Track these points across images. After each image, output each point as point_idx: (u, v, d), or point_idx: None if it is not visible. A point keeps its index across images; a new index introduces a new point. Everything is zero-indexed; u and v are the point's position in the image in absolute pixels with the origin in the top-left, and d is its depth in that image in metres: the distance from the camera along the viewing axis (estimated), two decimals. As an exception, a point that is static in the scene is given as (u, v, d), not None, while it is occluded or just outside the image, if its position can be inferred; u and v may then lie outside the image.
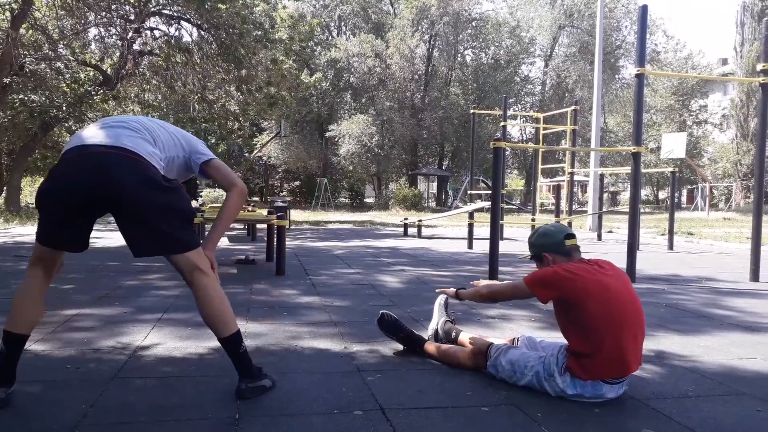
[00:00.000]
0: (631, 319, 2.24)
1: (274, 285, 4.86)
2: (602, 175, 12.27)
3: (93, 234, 9.89)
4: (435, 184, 36.50)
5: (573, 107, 11.65)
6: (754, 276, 5.82)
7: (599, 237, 11.33)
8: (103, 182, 1.98)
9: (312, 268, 6.07)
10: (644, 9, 5.57)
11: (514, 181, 47.00)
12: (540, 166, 13.39)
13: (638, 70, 5.54)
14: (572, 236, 2.44)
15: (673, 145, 19.61)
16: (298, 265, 6.30)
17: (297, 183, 33.14)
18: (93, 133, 2.11)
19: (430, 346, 2.76)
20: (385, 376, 2.50)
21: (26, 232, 10.64)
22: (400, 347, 2.91)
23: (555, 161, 22.07)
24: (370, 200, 35.82)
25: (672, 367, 2.71)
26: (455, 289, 2.77)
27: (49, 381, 2.33)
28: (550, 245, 2.43)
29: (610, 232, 13.84)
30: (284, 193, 31.30)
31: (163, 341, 2.97)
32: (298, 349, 2.89)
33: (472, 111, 12.58)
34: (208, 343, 2.95)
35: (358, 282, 5.14)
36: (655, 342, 3.18)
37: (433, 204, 33.02)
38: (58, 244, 2.13)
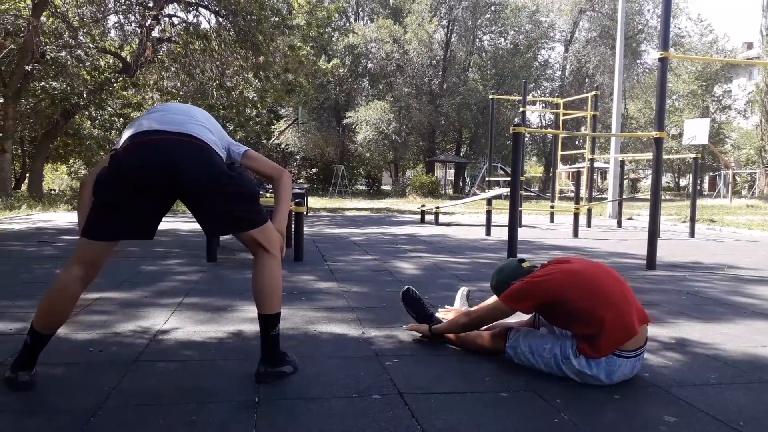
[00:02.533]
0: (611, 285, 2.29)
1: (292, 271, 4.89)
2: (623, 162, 12.08)
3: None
4: (453, 171, 36.36)
5: (594, 93, 11.47)
6: (779, 264, 5.71)
7: (619, 224, 11.21)
8: (173, 168, 1.99)
9: (330, 254, 6.09)
10: (668, -9, 5.44)
11: (533, 168, 46.59)
12: (559, 153, 13.24)
13: (662, 54, 5.43)
14: (524, 260, 2.58)
15: (696, 131, 19.23)
16: (316, 251, 6.32)
17: (314, 170, 33.24)
18: (158, 120, 2.10)
19: (443, 329, 2.76)
20: (402, 361, 2.50)
21: (48, 218, 10.82)
22: (418, 334, 2.91)
23: (574, 147, 21.84)
24: (387, 187, 35.80)
25: (694, 355, 2.68)
26: (428, 326, 2.75)
27: (73, 363, 2.37)
28: (510, 275, 2.48)
29: (630, 219, 13.67)
30: (301, 180, 31.39)
31: (182, 325, 3.00)
32: (317, 333, 2.91)
33: (491, 97, 12.45)
34: (228, 327, 2.98)
35: (376, 268, 5.15)
36: (676, 329, 3.14)
37: (450, 191, 32.91)
38: (117, 233, 2.08)
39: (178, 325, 3.01)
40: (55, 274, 4.48)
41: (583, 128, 25.84)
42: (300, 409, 1.95)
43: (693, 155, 9.36)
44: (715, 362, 2.57)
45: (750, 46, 43.19)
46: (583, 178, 12.45)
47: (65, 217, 10.97)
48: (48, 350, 2.24)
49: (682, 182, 40.92)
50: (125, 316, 3.17)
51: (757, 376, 2.39)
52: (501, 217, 12.04)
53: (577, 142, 31.49)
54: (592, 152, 11.44)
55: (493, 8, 32.14)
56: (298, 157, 32.67)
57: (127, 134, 2.11)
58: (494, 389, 2.18)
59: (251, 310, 3.34)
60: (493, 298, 2.66)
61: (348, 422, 1.85)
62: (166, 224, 9.33)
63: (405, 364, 2.45)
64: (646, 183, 40.79)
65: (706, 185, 39.18)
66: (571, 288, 2.27)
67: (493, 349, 2.55)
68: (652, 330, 3.07)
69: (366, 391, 2.13)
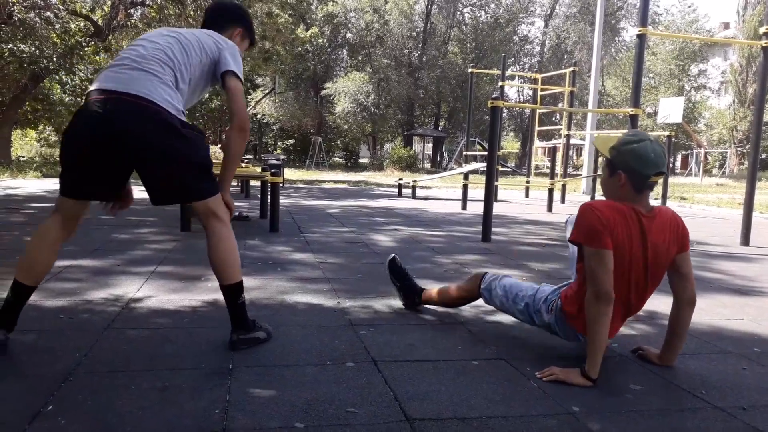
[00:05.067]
0: (635, 275, 2.09)
1: (267, 241, 4.86)
2: (598, 139, 12.21)
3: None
4: (431, 145, 36.32)
5: (572, 68, 11.51)
6: (745, 240, 5.87)
7: (593, 199, 11.35)
8: (115, 130, 1.94)
9: (306, 226, 6.07)
10: (649, -34, 5.44)
11: (510, 143, 46.81)
12: (536, 128, 13.30)
13: (640, 31, 5.45)
14: (662, 172, 2.07)
15: (671, 109, 19.48)
16: (292, 222, 6.30)
17: (291, 141, 32.88)
18: (111, 76, 2.02)
19: (430, 292, 2.79)
20: (377, 330, 2.52)
21: (17, 185, 10.55)
22: (393, 303, 2.94)
23: (551, 123, 21.99)
24: (364, 160, 35.65)
25: (661, 327, 2.74)
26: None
27: (43, 330, 2.34)
28: (641, 173, 2.04)
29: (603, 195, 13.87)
30: (278, 151, 31.06)
31: (155, 294, 2.97)
32: (291, 303, 2.91)
33: (470, 70, 12.40)
34: (202, 296, 2.96)
35: (352, 240, 5.15)
36: (647, 303, 3.20)
37: (428, 165, 32.94)
38: (81, 193, 2.08)
39: (151, 293, 2.99)
40: (21, 240, 4.39)
41: (560, 104, 25.96)
42: (274, 375, 1.96)
43: (667, 133, 9.49)
44: (681, 333, 2.64)
45: (727, 26, 43.63)
46: (559, 155, 12.55)
47: (34, 184, 10.72)
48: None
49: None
50: (97, 284, 3.13)
51: (719, 347, 2.47)
52: (477, 191, 12.12)
53: (554, 119, 31.67)
54: (569, 128, 11.53)
55: (474, -20, 31.83)
56: (274, 127, 32.27)
57: (90, 88, 2.06)
58: (466, 357, 2.22)
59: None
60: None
61: (321, 388, 1.86)
62: (140, 193, 9.17)
63: (379, 333, 2.47)
64: (620, 160, 41.31)
65: (678, 163, 39.87)
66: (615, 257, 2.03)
67: (469, 293, 2.60)
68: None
69: (340, 359, 2.14)
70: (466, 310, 2.88)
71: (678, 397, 1.92)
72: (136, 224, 5.64)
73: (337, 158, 35.42)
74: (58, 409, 1.65)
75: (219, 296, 2.93)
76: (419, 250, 4.72)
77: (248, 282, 3.29)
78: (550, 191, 9.12)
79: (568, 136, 11.55)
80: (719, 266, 4.53)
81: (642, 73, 5.55)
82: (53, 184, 11.00)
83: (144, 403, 1.71)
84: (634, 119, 5.54)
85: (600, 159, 2.25)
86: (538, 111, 15.02)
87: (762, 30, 5.74)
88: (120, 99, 1.96)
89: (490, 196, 5.38)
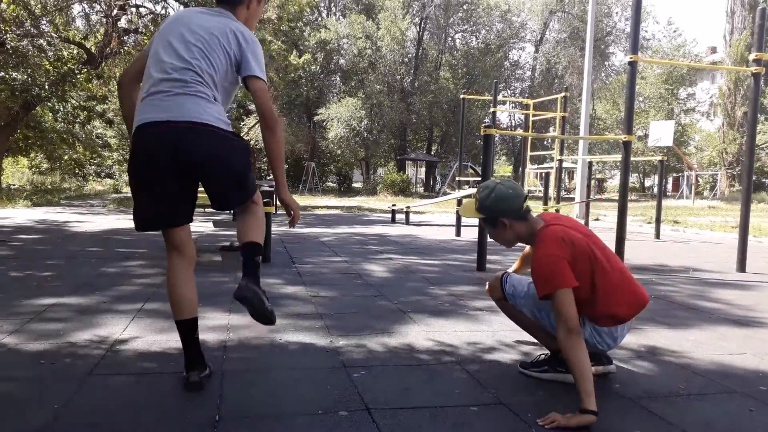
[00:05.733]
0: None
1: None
2: (590, 163, 12.24)
3: (74, 217, 9.69)
4: (423, 170, 36.44)
5: (563, 94, 11.59)
6: (741, 266, 5.82)
7: (586, 224, 11.34)
8: (180, 156, 2.07)
9: (298, 255, 5.98)
10: (639, -4, 5.48)
11: (502, 168, 47.01)
12: (529, 153, 13.34)
13: (631, 58, 5.47)
14: (527, 197, 2.32)
15: (661, 133, 19.65)
16: (284, 252, 6.21)
17: (284, 167, 32.83)
18: (160, 105, 2.10)
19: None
20: (371, 372, 2.43)
21: (6, 214, 10.41)
22: (387, 341, 2.85)
23: (543, 148, 22.13)
24: (358, 185, 35.68)
25: (664, 364, 2.67)
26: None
27: (22, 378, 2.24)
28: (510, 211, 2.24)
29: (597, 219, 13.88)
30: (270, 177, 31.00)
31: (142, 334, 2.88)
32: (282, 343, 2.82)
33: (462, 96, 12.46)
34: (190, 336, 2.86)
35: (345, 271, 5.06)
36: (645, 337, 3.14)
37: (421, 189, 32.97)
38: (155, 223, 2.21)
39: (137, 333, 2.89)
40: (5, 276, 4.28)
41: (552, 129, 26.14)
42: (263, 429, 1.87)
43: (659, 158, 9.52)
44: (684, 371, 2.57)
45: (714, 50, 44.32)
46: (552, 179, 12.57)
47: (24, 214, 10.60)
48: (-7, 365, 2.11)
49: (647, 182, 41.80)
50: (81, 324, 3.02)
51: (725, 386, 2.39)
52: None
53: (545, 143, 31.88)
54: (561, 153, 11.55)
55: (465, 6, 32.30)
56: (268, 153, 32.25)
57: (137, 113, 2.15)
58: (464, 402, 2.13)
59: (214, 317, 3.24)
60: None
61: (313, 442, 1.77)
62: (131, 223, 9.07)
63: (373, 376, 2.38)
64: (612, 183, 41.53)
65: (669, 186, 40.11)
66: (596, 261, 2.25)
67: (499, 301, 2.59)
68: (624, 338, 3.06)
69: (333, 407, 2.05)
70: (463, 347, 2.80)
71: (686, 446, 1.84)
72: (125, 257, 5.54)
73: (330, 183, 35.43)
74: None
75: (207, 336, 2.85)
76: (413, 281, 4.64)
77: (237, 320, 3.20)
78: (544, 217, 9.08)
79: (560, 161, 11.58)
80: (717, 295, 4.47)
81: (634, 99, 5.55)
82: (43, 213, 10.89)
83: (124, 461, 1.62)
84: (627, 146, 5.53)
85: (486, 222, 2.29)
86: (529, 137, 15.07)
87: (752, 57, 5.79)
88: (179, 127, 2.07)
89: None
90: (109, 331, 2.90)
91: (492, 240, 2.37)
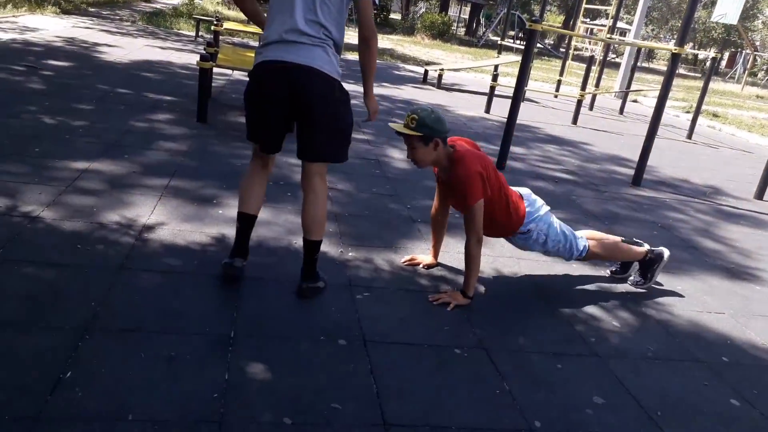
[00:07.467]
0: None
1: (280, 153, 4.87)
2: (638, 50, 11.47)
3: (103, 38, 9.54)
4: (468, 9, 34.26)
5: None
6: (759, 194, 5.82)
7: (621, 110, 11.00)
8: (296, 95, 2.28)
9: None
10: None
11: (552, 16, 43.90)
12: (583, 5, 12.26)
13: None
14: (448, 129, 2.69)
15: (729, 7, 18.00)
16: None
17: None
18: (284, 48, 2.28)
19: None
20: (373, 294, 2.67)
21: (36, 24, 10.25)
22: (393, 257, 3.06)
23: (601, 2, 20.63)
24: (395, 16, 33.80)
25: (644, 318, 2.87)
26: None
27: (63, 266, 2.49)
28: (442, 132, 2.58)
29: (635, 101, 13.40)
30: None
31: (167, 220, 3.10)
32: (297, 248, 3.00)
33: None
34: (212, 229, 3.09)
35: (366, 155, 5.15)
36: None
37: (462, 32, 31.32)
38: (259, 142, 2.49)
39: (164, 219, 3.11)
40: (39, 121, 4.44)
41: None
42: (271, 350, 2.14)
43: (712, 55, 8.94)
44: (659, 330, 2.78)
45: None
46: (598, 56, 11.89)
47: (54, 26, 10.43)
48: (39, 243, 2.48)
49: (701, 55, 39.22)
50: (111, 201, 3.24)
51: (690, 354, 2.60)
52: (507, 79, 11.70)
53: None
54: (618, 10, 10.79)
55: None
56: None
57: (259, 58, 2.34)
58: (450, 343, 2.38)
59: (234, 206, 3.42)
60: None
61: (311, 377, 2.04)
62: (159, 53, 8.97)
63: (374, 300, 2.62)
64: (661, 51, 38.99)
65: (724, 63, 37.70)
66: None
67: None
68: (614, 281, 3.25)
69: (334, 333, 2.31)
70: (461, 279, 3.00)
71: (634, 417, 2.10)
72: (153, 105, 5.63)
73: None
74: (76, 377, 1.84)
75: (227, 230, 3.07)
76: (429, 178, 4.69)
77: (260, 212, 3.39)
78: (579, 103, 8.83)
79: (614, 18, 10.83)
80: (723, 231, 4.56)
81: (695, 9, 5.11)
82: (71, 27, 10.71)
83: (153, 374, 1.91)
84: (675, 59, 5.23)
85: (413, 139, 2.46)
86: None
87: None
88: (295, 66, 2.25)
89: (512, 122, 5.26)
90: (136, 213, 3.13)
91: (409, 159, 2.69)
